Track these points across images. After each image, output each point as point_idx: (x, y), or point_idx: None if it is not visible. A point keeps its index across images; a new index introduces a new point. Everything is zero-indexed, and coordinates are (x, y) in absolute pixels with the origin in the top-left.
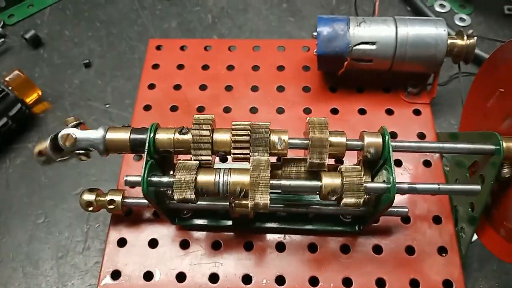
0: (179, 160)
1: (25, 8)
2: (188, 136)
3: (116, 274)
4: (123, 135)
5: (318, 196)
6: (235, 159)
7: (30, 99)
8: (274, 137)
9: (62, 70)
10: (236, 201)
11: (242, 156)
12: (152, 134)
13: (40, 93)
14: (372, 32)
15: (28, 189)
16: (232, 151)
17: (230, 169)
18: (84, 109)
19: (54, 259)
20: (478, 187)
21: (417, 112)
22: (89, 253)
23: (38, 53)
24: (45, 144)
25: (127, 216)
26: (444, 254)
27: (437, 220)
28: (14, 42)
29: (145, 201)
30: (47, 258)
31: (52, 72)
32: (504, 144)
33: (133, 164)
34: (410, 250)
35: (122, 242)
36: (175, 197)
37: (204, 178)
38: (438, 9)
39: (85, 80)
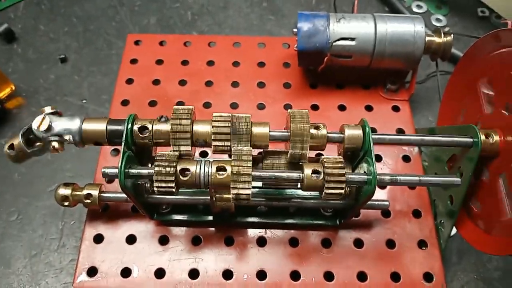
0: (158, 152)
1: None
2: (167, 126)
3: (92, 271)
4: (100, 125)
5: (299, 190)
6: (215, 151)
7: (3, 93)
8: (255, 129)
9: (37, 65)
10: (217, 195)
11: (223, 147)
12: (130, 125)
13: (13, 87)
14: (352, 29)
15: (0, 186)
16: (213, 142)
17: (212, 161)
18: (60, 104)
19: (27, 258)
20: (458, 179)
21: (396, 109)
22: (64, 250)
23: (11, 48)
24: (17, 139)
25: (104, 212)
26: (424, 248)
27: (416, 214)
28: None
29: (123, 195)
30: (19, 257)
31: (26, 67)
32: (482, 137)
33: (110, 159)
34: (390, 244)
35: (98, 239)
36: (155, 188)
37: (185, 168)
38: (415, 9)
39: (61, 75)
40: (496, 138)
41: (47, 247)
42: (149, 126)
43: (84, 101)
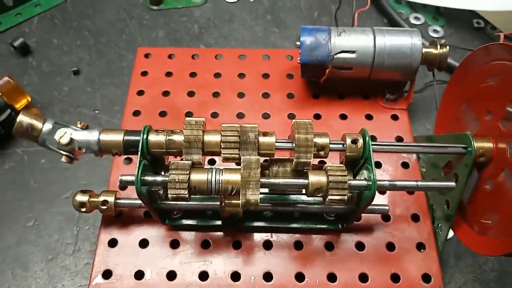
0: (171, 161)
1: (13, 17)
2: (180, 137)
3: (107, 274)
4: (117, 136)
5: (303, 196)
6: (224, 160)
7: (19, 105)
8: (262, 139)
9: (51, 77)
10: (227, 201)
11: (232, 156)
12: (145, 136)
13: (29, 99)
14: (352, 42)
15: (17, 193)
16: (222, 151)
17: (222, 169)
18: (73, 115)
19: (44, 261)
20: (453, 183)
21: (395, 117)
22: (79, 254)
23: (26, 61)
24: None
25: (118, 217)
26: (422, 250)
27: (415, 218)
28: (2, 50)
29: (137, 201)
30: (37, 261)
31: (41, 80)
32: (476, 144)
33: (123, 167)
34: (390, 247)
35: (113, 243)
36: (169, 195)
37: (197, 176)
38: (413, 21)
39: (74, 87)
40: (489, 145)
41: (63, 252)
42: (164, 137)
43: (96, 112)
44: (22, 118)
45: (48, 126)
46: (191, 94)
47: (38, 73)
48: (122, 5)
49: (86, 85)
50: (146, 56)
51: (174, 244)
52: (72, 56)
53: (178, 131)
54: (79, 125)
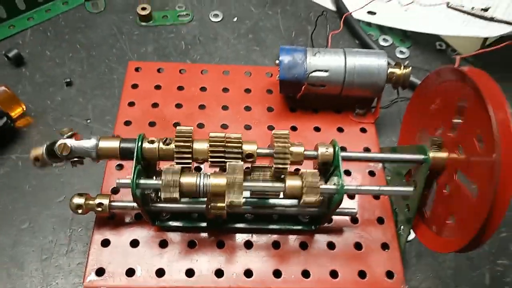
0: (163, 166)
1: (6, 29)
2: (171, 146)
3: (100, 271)
4: (114, 143)
5: (281, 200)
6: (211, 166)
7: (14, 113)
8: (245, 147)
9: (44, 87)
10: (212, 203)
11: (218, 163)
12: (140, 143)
13: (24, 108)
14: (325, 62)
15: (12, 197)
16: (210, 158)
17: (209, 174)
18: (66, 124)
19: (38, 261)
20: (411, 188)
21: (363, 130)
22: (73, 254)
23: (20, 71)
24: (40, 150)
25: (110, 219)
26: (386, 250)
27: (380, 221)
28: None
29: (130, 204)
30: (32, 260)
31: (34, 90)
32: (431, 155)
33: (115, 173)
34: (358, 246)
35: (105, 243)
36: (162, 197)
37: (187, 180)
38: (382, 43)
39: (66, 97)
40: (443, 155)
41: (57, 252)
42: (157, 145)
43: (88, 121)
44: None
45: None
46: (178, 106)
47: (31, 83)
48: (113, 21)
49: (78, 95)
50: (137, 69)
51: (163, 244)
52: (64, 68)
53: (170, 140)
54: (66, 131)
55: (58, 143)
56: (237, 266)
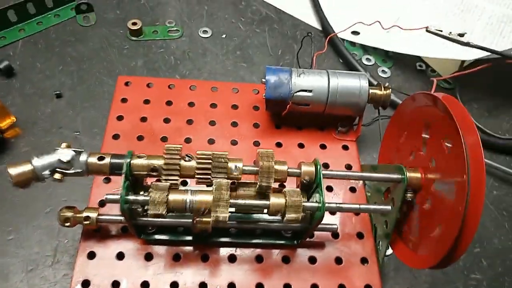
0: (150, 182)
1: None
2: (159, 162)
3: (86, 283)
4: (104, 159)
5: (264, 215)
6: (198, 182)
7: (4, 124)
8: (231, 164)
9: (34, 99)
10: (198, 218)
11: (205, 179)
12: (129, 160)
13: (14, 119)
14: (309, 82)
15: None
16: (197, 175)
17: (196, 190)
18: (55, 136)
19: (24, 272)
20: (389, 207)
21: (345, 147)
22: (59, 266)
23: (10, 83)
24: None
25: (97, 232)
26: (365, 264)
27: (360, 236)
28: None
29: (117, 217)
30: (17, 271)
31: (24, 101)
32: (408, 174)
33: (102, 186)
34: (338, 260)
35: (91, 255)
36: (149, 212)
37: (175, 197)
38: (365, 62)
39: (56, 109)
40: (418, 175)
41: (43, 263)
42: (146, 162)
43: (77, 133)
44: (11, 171)
45: (36, 162)
46: (167, 120)
47: (21, 95)
48: (104, 34)
49: (68, 108)
50: (126, 84)
51: (148, 257)
52: (54, 80)
53: (158, 156)
54: (63, 145)
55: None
56: (221, 279)
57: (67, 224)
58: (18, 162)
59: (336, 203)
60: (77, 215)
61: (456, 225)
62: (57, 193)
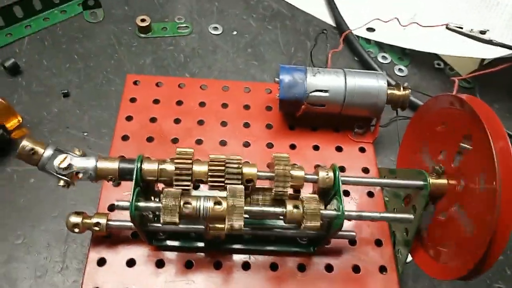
0: (163, 188)
1: (4, 36)
2: (171, 167)
3: None
4: (113, 164)
5: (279, 221)
6: (211, 188)
7: (10, 124)
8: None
9: (40, 98)
10: (211, 225)
11: (218, 184)
12: (139, 165)
13: (20, 119)
14: (325, 82)
15: (6, 211)
16: (210, 182)
17: (209, 196)
18: (62, 136)
19: (32, 278)
20: (412, 216)
21: (362, 150)
22: (68, 272)
23: (16, 81)
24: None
25: (107, 238)
26: (384, 273)
27: (378, 243)
28: None
29: (127, 223)
30: (25, 277)
31: (31, 99)
32: (431, 181)
33: (111, 189)
34: (356, 269)
35: (101, 262)
36: (161, 220)
37: (187, 204)
38: (381, 60)
39: (63, 108)
40: (443, 182)
41: (51, 269)
42: (156, 166)
43: (85, 134)
44: (25, 143)
45: (49, 152)
46: (177, 121)
47: (28, 93)
48: (112, 31)
49: (75, 107)
50: (135, 83)
51: (159, 264)
52: (61, 78)
53: (169, 160)
54: (77, 152)
55: (59, 156)
56: (235, 287)
57: (76, 230)
58: (37, 141)
59: (356, 211)
60: (87, 221)
61: (487, 235)
62: (65, 196)
